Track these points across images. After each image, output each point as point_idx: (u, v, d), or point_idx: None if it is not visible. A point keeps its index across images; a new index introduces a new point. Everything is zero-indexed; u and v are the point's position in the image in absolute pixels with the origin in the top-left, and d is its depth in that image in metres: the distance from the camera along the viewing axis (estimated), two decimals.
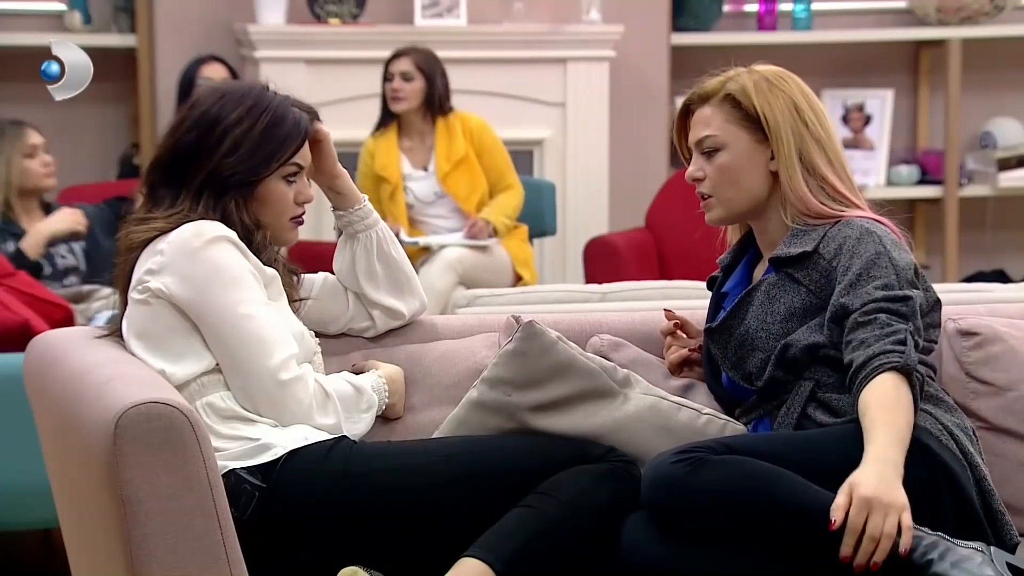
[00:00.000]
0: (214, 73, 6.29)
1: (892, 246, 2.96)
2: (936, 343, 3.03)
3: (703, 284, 3.26)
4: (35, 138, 5.57)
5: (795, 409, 2.94)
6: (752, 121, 3.03)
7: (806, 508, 2.70)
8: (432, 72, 6.16)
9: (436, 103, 6.17)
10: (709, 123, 3.05)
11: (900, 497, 2.66)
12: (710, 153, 3.06)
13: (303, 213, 3.05)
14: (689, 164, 3.11)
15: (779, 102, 3.02)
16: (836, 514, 2.65)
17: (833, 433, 2.87)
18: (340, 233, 3.19)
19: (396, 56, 6.19)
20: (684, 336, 3.21)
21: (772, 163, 3.03)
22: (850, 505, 2.65)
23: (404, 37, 6.70)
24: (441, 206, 6.25)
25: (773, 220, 3.06)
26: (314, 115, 3.06)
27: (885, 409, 2.77)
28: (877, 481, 2.66)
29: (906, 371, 2.82)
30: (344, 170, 3.15)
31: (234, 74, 6.44)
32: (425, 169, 6.23)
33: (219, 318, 2.89)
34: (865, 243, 2.94)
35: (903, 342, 2.84)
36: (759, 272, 3.10)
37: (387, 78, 6.19)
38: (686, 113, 3.12)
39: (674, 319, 3.21)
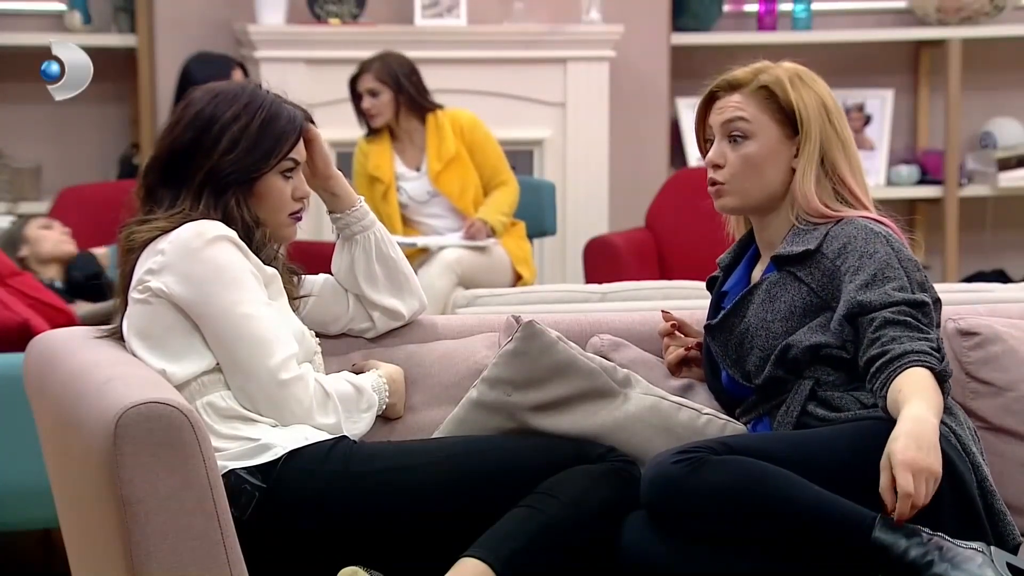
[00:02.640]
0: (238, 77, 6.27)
1: (899, 247, 2.96)
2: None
3: (703, 284, 3.26)
4: (44, 220, 5.75)
5: (795, 408, 2.94)
6: (784, 115, 3.01)
7: (806, 508, 2.70)
8: (396, 78, 6.10)
9: (412, 104, 6.15)
10: (743, 108, 3.01)
11: (935, 464, 2.65)
12: (736, 139, 3.02)
13: (301, 209, 3.05)
14: (707, 153, 3.06)
15: (812, 100, 3.01)
16: (886, 496, 2.65)
17: (834, 432, 2.86)
18: (339, 235, 3.18)
19: (358, 75, 6.15)
20: (682, 336, 3.21)
21: (794, 160, 3.02)
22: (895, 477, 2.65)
23: (404, 37, 6.70)
24: (435, 205, 6.24)
25: (778, 217, 3.05)
26: (306, 115, 3.06)
27: (922, 388, 2.77)
28: (916, 445, 2.65)
29: (941, 377, 2.82)
30: (338, 172, 3.14)
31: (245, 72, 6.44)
32: (417, 169, 6.21)
33: (219, 318, 2.89)
34: (873, 244, 2.93)
35: (938, 349, 2.85)
36: (758, 272, 3.10)
37: (356, 97, 6.16)
38: (711, 99, 3.07)
39: (671, 320, 3.21)
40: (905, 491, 2.63)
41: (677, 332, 3.20)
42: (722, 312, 3.06)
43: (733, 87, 3.03)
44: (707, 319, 3.11)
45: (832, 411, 2.92)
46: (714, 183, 3.04)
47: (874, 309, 2.88)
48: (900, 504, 2.64)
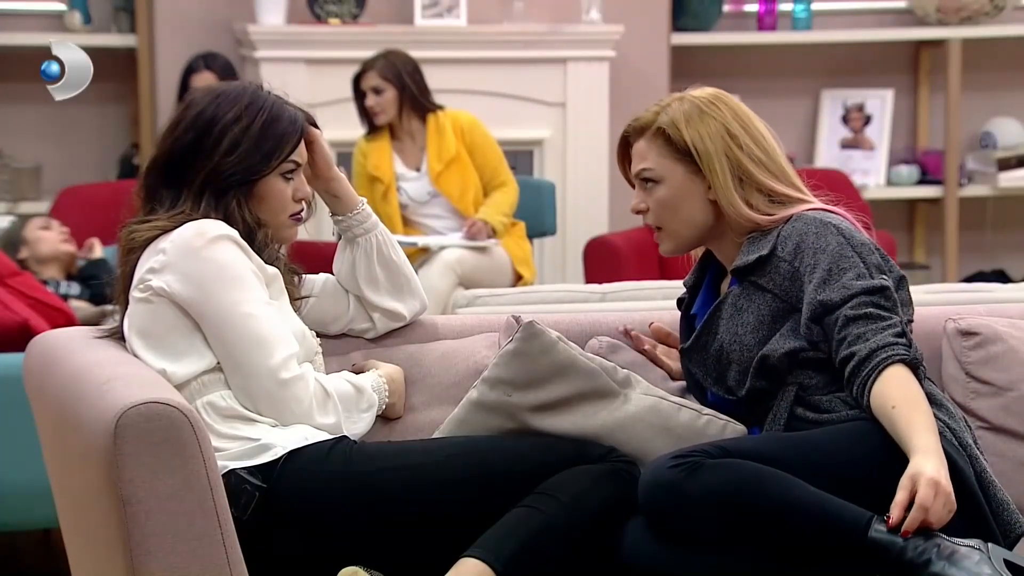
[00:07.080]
0: (204, 83, 6.26)
1: (850, 233, 2.96)
2: (912, 321, 3.02)
3: None
4: (43, 220, 5.75)
5: (782, 415, 2.94)
6: (685, 153, 3.02)
7: (802, 509, 2.71)
8: (400, 76, 6.10)
9: (414, 103, 6.14)
10: (645, 157, 3.06)
11: (953, 498, 2.69)
12: (648, 185, 3.06)
13: (302, 210, 3.05)
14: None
15: (710, 130, 3.01)
16: (896, 511, 2.67)
17: (829, 433, 2.87)
18: (340, 236, 3.18)
19: (362, 72, 6.15)
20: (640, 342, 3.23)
21: (710, 192, 3.03)
22: (913, 494, 2.67)
23: (404, 37, 6.70)
24: (435, 206, 6.23)
25: (726, 240, 3.06)
26: (308, 116, 3.06)
27: (913, 403, 2.79)
28: (940, 470, 2.69)
29: (913, 365, 2.83)
30: (340, 173, 3.14)
31: (231, 78, 6.41)
32: (417, 170, 6.21)
33: (220, 317, 2.89)
34: (824, 236, 2.94)
35: (902, 334, 2.86)
36: (725, 287, 3.11)
37: (360, 95, 6.16)
38: (626, 144, 3.11)
39: (658, 331, 3.23)
40: (923, 504, 2.66)
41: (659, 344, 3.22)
42: (694, 333, 3.07)
43: (639, 132, 3.07)
44: (681, 343, 3.12)
45: (820, 413, 2.93)
46: (651, 227, 3.09)
47: (835, 307, 2.89)
48: (914, 513, 2.66)
